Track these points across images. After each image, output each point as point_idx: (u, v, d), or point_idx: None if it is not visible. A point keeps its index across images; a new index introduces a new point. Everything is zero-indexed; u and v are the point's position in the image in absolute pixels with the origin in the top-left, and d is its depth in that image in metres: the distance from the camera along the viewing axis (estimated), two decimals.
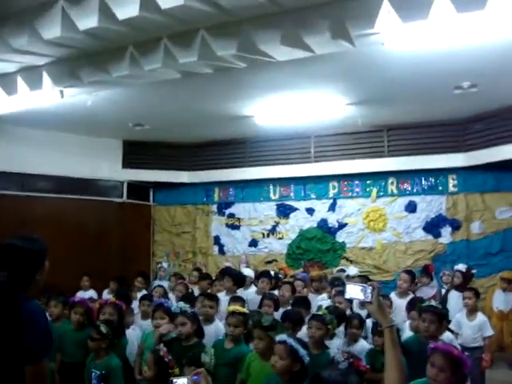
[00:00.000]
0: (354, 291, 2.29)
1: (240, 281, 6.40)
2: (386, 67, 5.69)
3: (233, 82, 6.21)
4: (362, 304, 2.31)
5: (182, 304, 4.56)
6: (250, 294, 6.35)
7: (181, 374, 3.49)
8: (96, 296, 7.23)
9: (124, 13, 3.98)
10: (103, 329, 4.21)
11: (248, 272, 7.27)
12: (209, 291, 6.34)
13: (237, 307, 4.48)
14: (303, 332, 4.51)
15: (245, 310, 4.46)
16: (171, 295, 6.52)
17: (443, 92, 6.66)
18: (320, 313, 4.22)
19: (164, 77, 5.16)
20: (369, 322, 4.88)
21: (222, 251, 9.84)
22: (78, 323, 4.90)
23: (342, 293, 5.50)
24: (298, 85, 6.34)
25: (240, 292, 6.24)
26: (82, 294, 7.05)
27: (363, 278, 6.48)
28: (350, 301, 5.44)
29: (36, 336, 2.35)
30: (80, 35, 4.38)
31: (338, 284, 6.11)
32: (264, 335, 3.79)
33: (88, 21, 4.13)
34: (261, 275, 6.74)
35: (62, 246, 8.52)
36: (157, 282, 7.89)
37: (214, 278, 7.04)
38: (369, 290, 2.24)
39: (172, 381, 2.37)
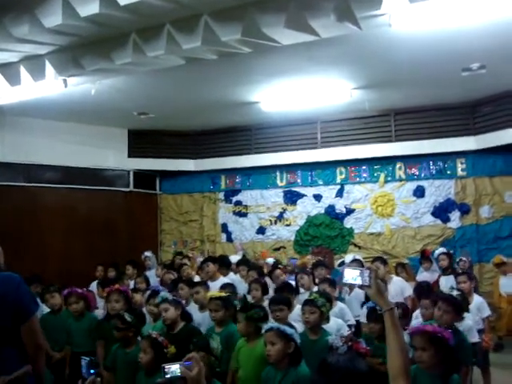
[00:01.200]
0: (351, 275, 2.26)
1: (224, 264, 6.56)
2: (392, 50, 5.61)
3: (237, 68, 6.15)
4: (361, 288, 2.28)
5: (163, 293, 4.65)
6: (235, 280, 6.37)
7: (181, 357, 3.51)
8: None
9: None
10: (127, 317, 4.16)
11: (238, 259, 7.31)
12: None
13: (214, 293, 4.56)
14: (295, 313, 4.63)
15: (221, 294, 4.51)
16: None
17: (451, 74, 6.56)
18: (311, 297, 4.21)
19: (168, 63, 5.10)
20: (364, 308, 4.88)
21: (229, 239, 9.83)
22: (77, 312, 4.93)
23: (327, 280, 5.53)
24: (304, 69, 6.27)
25: (229, 278, 6.30)
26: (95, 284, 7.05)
27: (358, 262, 6.48)
28: (335, 286, 5.45)
29: (18, 298, 2.66)
30: (81, 22, 4.32)
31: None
32: (240, 317, 3.89)
33: (89, 7, 4.07)
34: (239, 263, 6.79)
35: (69, 236, 8.57)
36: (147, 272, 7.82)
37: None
38: (366, 273, 2.21)
39: (164, 367, 2.33)
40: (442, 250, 7.00)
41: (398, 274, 6.84)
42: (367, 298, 5.30)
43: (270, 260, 7.51)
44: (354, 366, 1.62)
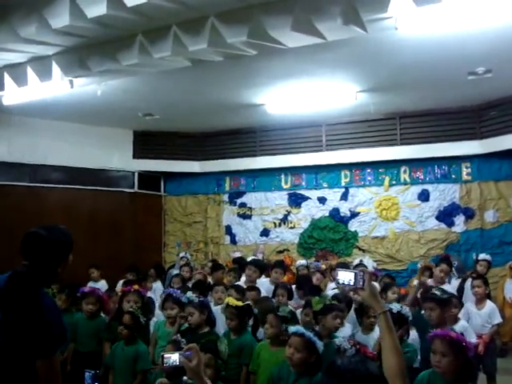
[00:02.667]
0: (345, 277, 2.26)
1: (263, 269, 6.52)
2: (398, 53, 5.60)
3: (243, 70, 6.15)
4: (355, 290, 2.29)
5: (189, 294, 4.62)
6: (264, 283, 6.36)
7: None
8: (107, 286, 7.21)
9: None
10: (142, 319, 4.27)
11: None
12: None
13: (232, 299, 4.50)
14: None
15: (239, 303, 4.46)
16: None
17: (457, 78, 6.55)
18: (334, 303, 4.16)
19: (174, 65, 5.11)
20: None
21: (233, 241, 9.82)
22: (90, 313, 4.93)
23: None
24: (309, 72, 6.27)
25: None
26: (92, 285, 7.06)
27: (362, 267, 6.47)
28: None
29: (49, 331, 2.29)
30: (88, 23, 4.34)
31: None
32: (276, 323, 3.83)
33: (96, 8, 4.08)
34: (275, 265, 6.73)
35: (73, 237, 8.56)
36: (175, 272, 7.89)
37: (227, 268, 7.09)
38: (360, 275, 2.22)
39: (164, 356, 2.32)
40: (486, 256, 6.89)
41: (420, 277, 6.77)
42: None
43: (303, 262, 7.51)
44: (366, 368, 1.58)
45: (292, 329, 3.40)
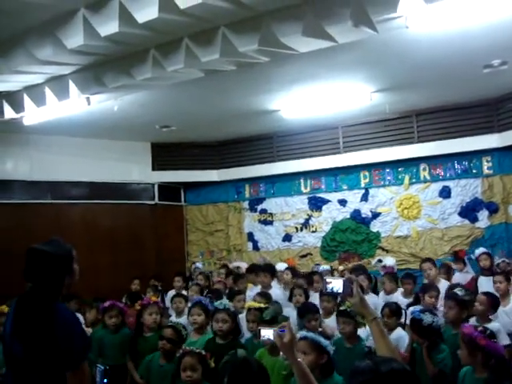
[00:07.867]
0: (335, 285, 2.31)
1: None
2: (410, 51, 5.58)
3: (257, 77, 6.18)
4: (343, 297, 2.34)
5: (225, 301, 4.64)
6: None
7: (216, 367, 3.55)
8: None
9: (144, 16, 3.98)
10: (184, 333, 4.23)
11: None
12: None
13: (252, 303, 4.58)
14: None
15: (260, 304, 4.53)
16: None
17: (472, 72, 6.48)
18: (344, 307, 4.14)
19: (187, 77, 5.16)
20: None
21: (256, 247, 9.84)
22: (115, 326, 4.98)
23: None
24: (323, 75, 6.27)
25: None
26: None
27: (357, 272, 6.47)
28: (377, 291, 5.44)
29: (73, 341, 2.37)
30: (102, 42, 4.40)
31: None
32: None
33: (109, 27, 4.15)
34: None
35: (96, 251, 8.66)
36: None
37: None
38: (349, 283, 2.26)
39: (260, 330, 2.53)
40: (482, 249, 6.82)
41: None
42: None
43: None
44: (398, 363, 1.58)
45: (297, 335, 3.37)
